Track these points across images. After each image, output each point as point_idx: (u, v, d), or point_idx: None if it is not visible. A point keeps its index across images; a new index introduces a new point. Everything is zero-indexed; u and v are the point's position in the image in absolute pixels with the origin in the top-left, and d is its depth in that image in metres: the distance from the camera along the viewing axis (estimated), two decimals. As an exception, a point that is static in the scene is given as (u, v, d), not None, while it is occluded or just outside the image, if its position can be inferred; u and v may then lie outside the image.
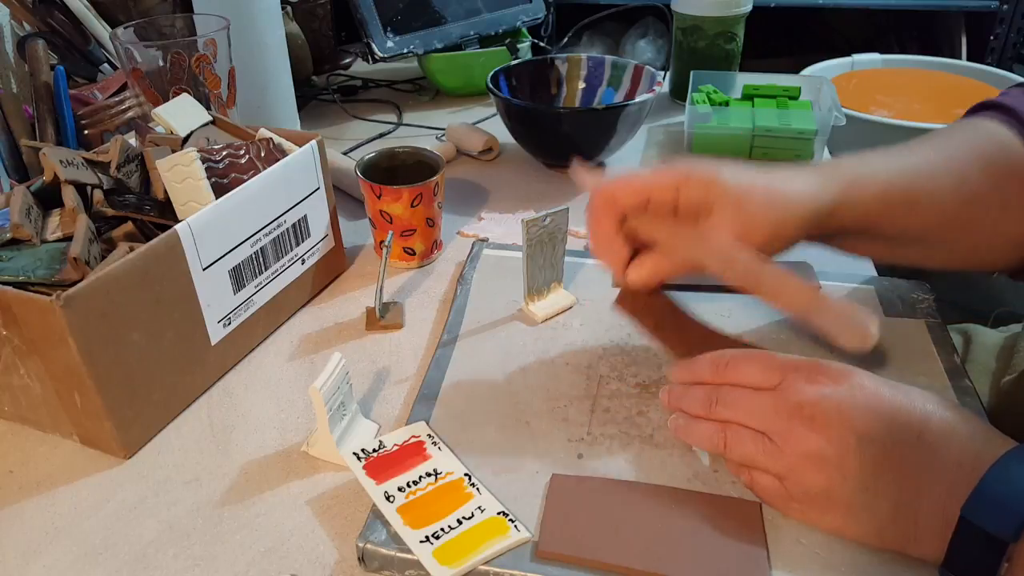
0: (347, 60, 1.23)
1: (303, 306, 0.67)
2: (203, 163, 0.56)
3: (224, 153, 0.59)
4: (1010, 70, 1.43)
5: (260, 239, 0.60)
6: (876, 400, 0.38)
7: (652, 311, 0.53)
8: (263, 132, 0.65)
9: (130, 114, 0.79)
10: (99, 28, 0.86)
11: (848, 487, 0.39)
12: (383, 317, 0.64)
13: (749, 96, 0.96)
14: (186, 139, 0.64)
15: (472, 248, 0.72)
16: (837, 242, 0.52)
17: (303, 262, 0.66)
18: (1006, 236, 0.52)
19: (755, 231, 0.46)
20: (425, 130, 1.02)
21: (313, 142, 0.64)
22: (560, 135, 0.84)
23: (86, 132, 0.77)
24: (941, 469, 0.37)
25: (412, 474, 0.48)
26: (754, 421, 0.42)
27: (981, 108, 0.56)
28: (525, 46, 1.12)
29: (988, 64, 1.43)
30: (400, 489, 0.47)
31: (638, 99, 0.82)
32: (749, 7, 1.00)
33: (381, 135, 1.01)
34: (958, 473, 0.36)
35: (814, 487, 0.40)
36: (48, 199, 0.57)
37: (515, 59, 1.07)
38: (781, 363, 0.42)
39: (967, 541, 0.35)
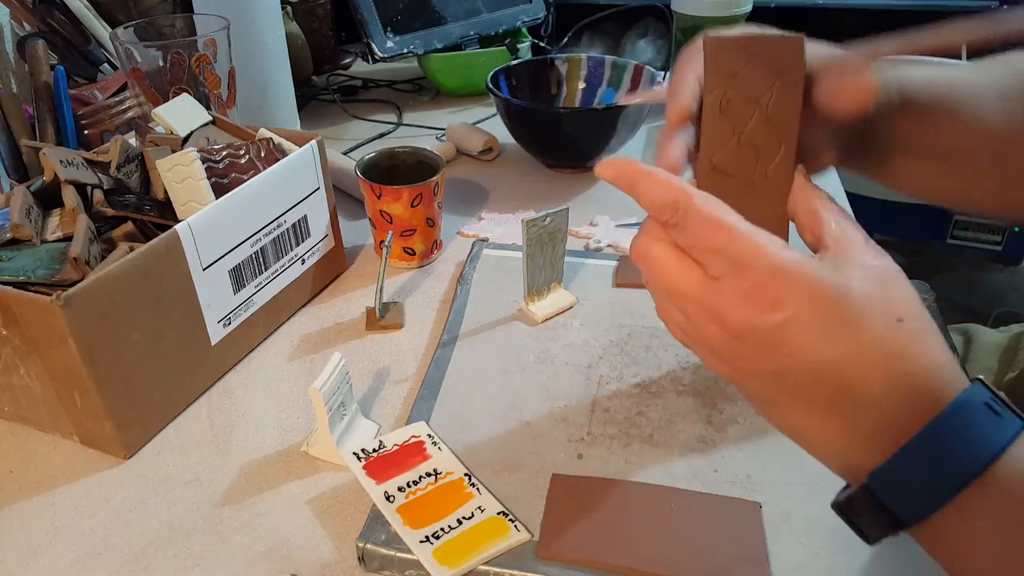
0: (347, 60, 1.23)
1: (303, 306, 0.67)
2: (203, 163, 0.56)
3: (224, 153, 0.59)
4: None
5: (260, 239, 0.60)
6: (806, 351, 0.32)
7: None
8: (263, 132, 0.65)
9: (130, 114, 0.79)
10: (99, 28, 0.86)
11: (748, 394, 0.36)
12: (383, 317, 0.64)
13: (749, 96, 0.96)
14: (186, 139, 0.64)
15: (472, 248, 0.72)
16: (886, 155, 0.46)
17: (303, 262, 0.66)
18: None
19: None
20: (425, 130, 1.02)
21: (313, 142, 0.64)
22: (560, 135, 0.84)
23: (86, 132, 0.77)
24: (860, 430, 0.33)
25: (412, 474, 0.48)
26: (676, 298, 0.36)
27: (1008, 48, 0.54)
28: (525, 46, 1.12)
29: (988, 64, 1.43)
30: (400, 489, 0.47)
31: (638, 99, 0.81)
32: (749, 7, 1.00)
33: (381, 135, 1.01)
34: (875, 438, 0.32)
35: (715, 372, 0.37)
36: (48, 199, 0.57)
37: (515, 59, 1.07)
38: (733, 258, 0.33)
39: (866, 504, 0.33)
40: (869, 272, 0.33)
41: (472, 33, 1.08)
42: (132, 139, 0.67)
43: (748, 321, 0.33)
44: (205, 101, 0.74)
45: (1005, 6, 1.44)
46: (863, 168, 0.47)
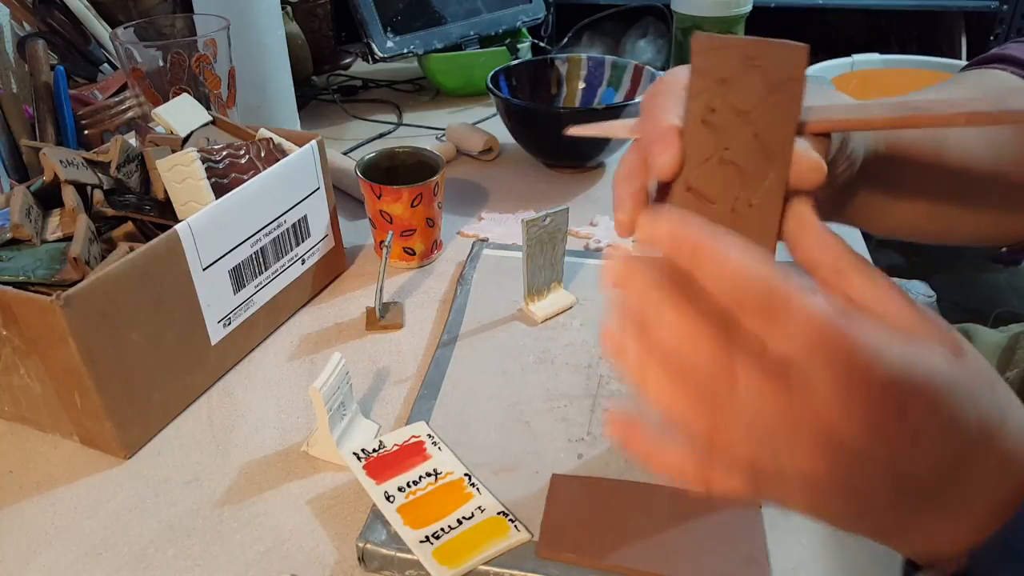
0: (347, 60, 1.23)
1: (303, 306, 0.67)
2: (203, 163, 0.56)
3: (224, 153, 0.59)
4: (1010, 70, 1.43)
5: (260, 239, 0.60)
6: (930, 454, 0.27)
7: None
8: (263, 132, 0.65)
9: (130, 114, 0.79)
10: (99, 28, 0.86)
11: (827, 517, 0.30)
12: (383, 317, 0.64)
13: (749, 96, 0.96)
14: (186, 139, 0.64)
15: (472, 248, 0.72)
16: (875, 203, 0.44)
17: (303, 262, 0.66)
18: None
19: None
20: (425, 130, 1.02)
21: (313, 142, 0.64)
22: (560, 135, 0.84)
23: (86, 132, 0.77)
24: (972, 515, 0.29)
25: (412, 474, 0.48)
26: (789, 424, 0.27)
27: (981, 62, 0.53)
28: (525, 46, 1.12)
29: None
30: (400, 489, 0.47)
31: (638, 99, 0.82)
32: (749, 7, 1.01)
33: (381, 135, 1.01)
34: (985, 518, 0.29)
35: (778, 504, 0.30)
36: (48, 199, 0.57)
37: (515, 59, 1.07)
38: (853, 368, 0.26)
39: None
40: (948, 340, 0.28)
41: (472, 33, 1.08)
42: (132, 139, 0.67)
43: (878, 447, 0.27)
44: (205, 101, 0.74)
45: (1005, 6, 1.44)
46: (849, 218, 0.45)
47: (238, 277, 0.58)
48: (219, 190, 0.57)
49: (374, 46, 1.02)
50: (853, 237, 0.75)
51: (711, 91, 0.31)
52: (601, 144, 0.84)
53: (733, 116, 0.31)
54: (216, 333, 0.57)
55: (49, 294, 0.45)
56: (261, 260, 0.60)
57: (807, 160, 0.31)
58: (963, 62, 1.43)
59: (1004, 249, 0.52)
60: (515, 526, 0.44)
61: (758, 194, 0.31)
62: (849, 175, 0.39)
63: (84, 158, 0.58)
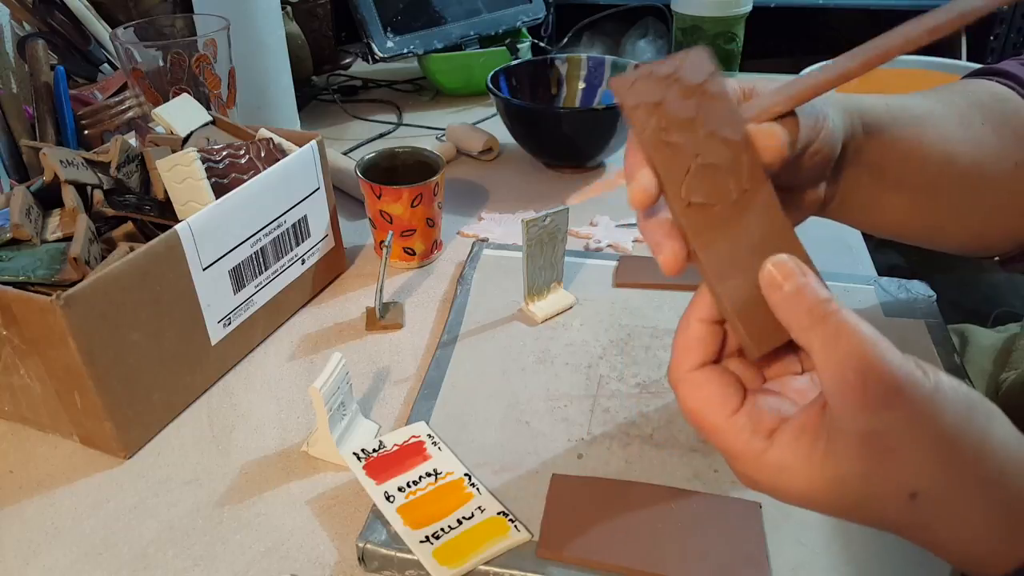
0: (347, 60, 1.23)
1: (303, 306, 0.67)
2: (203, 163, 0.56)
3: (224, 153, 0.59)
4: (1010, 70, 1.43)
5: (260, 239, 0.60)
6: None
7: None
8: (263, 132, 0.65)
9: (130, 114, 0.79)
10: (99, 28, 0.86)
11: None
12: (383, 317, 0.64)
13: (749, 96, 0.96)
14: (186, 139, 0.64)
15: (472, 248, 0.72)
16: (858, 191, 0.46)
17: (303, 262, 0.66)
18: (1018, 202, 0.48)
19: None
20: (425, 130, 1.02)
21: (313, 142, 0.64)
22: (560, 135, 0.84)
23: (86, 132, 0.77)
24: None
25: (412, 474, 0.48)
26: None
27: (974, 75, 0.54)
28: (525, 46, 1.12)
29: (988, 64, 1.43)
30: (400, 489, 0.47)
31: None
32: (749, 7, 1.01)
33: (381, 135, 1.01)
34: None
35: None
36: (48, 199, 0.57)
37: (515, 59, 1.07)
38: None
39: None
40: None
41: (472, 33, 1.08)
42: (132, 139, 0.67)
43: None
44: (205, 101, 0.74)
45: (1005, 6, 1.44)
46: (840, 213, 0.47)
47: (238, 277, 0.58)
48: (219, 190, 0.57)
49: (374, 46, 1.02)
50: (854, 238, 0.75)
51: (654, 116, 0.34)
52: (601, 143, 0.84)
53: (684, 127, 0.34)
54: (216, 333, 0.57)
55: (49, 294, 0.45)
56: (261, 260, 0.60)
57: (765, 132, 0.34)
58: (963, 62, 1.44)
59: (996, 259, 0.53)
60: (515, 526, 0.44)
61: (745, 178, 0.34)
62: (831, 155, 0.41)
63: (84, 158, 0.58)
